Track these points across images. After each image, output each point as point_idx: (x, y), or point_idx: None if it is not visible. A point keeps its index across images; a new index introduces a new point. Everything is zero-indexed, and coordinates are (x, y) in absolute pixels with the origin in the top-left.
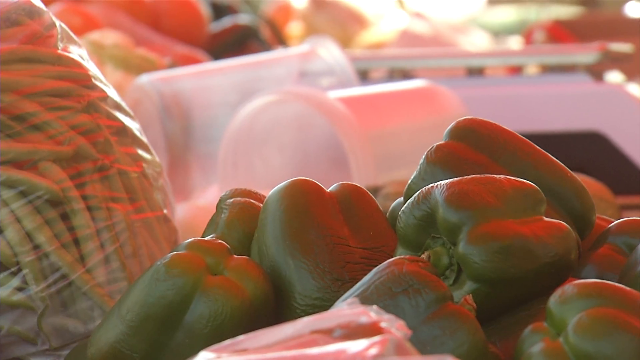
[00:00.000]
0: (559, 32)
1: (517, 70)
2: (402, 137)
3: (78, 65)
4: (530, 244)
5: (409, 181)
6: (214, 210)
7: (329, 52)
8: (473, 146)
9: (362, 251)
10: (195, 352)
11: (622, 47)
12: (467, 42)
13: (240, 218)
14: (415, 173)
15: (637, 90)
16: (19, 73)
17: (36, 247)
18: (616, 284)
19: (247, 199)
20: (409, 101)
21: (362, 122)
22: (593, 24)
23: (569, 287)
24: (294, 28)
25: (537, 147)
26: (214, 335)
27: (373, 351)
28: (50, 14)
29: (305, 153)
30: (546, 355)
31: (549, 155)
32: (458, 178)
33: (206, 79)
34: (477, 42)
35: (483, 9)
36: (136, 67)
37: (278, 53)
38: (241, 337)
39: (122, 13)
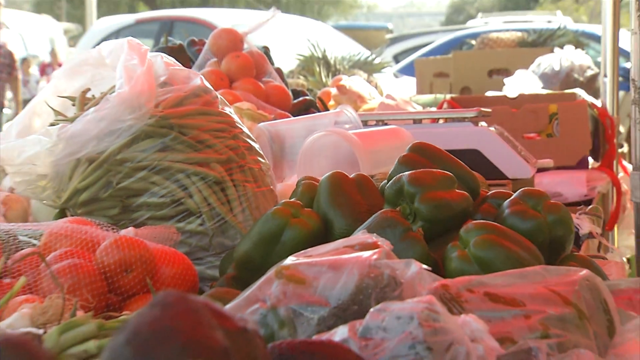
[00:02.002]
0: (454, 104)
1: (435, 120)
2: (384, 152)
3: (229, 116)
4: (450, 203)
5: (389, 173)
6: (295, 187)
7: (348, 112)
8: (420, 155)
9: (367, 207)
10: (285, 257)
11: (486, 110)
12: (411, 109)
13: (308, 190)
14: (392, 169)
15: (493, 130)
16: (199, 120)
17: (209, 204)
18: (493, 223)
19: (311, 181)
20: (387, 135)
21: (365, 144)
22: (470, 100)
23: (469, 224)
24: (331, 102)
25: (451, 155)
26: (295, 249)
27: (375, 257)
28: (216, 93)
29: (337, 160)
30: (458, 258)
31: (456, 159)
32: (413, 170)
33: (291, 124)
34: (416, 109)
35: (416, 96)
36: (257, 119)
37: (324, 114)
38: (308, 250)
39: (251, 94)
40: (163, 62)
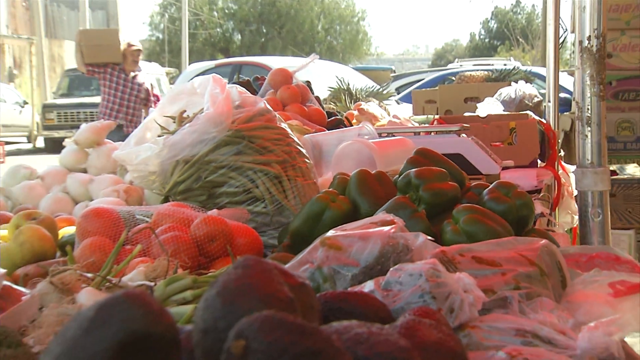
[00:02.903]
0: (441, 121)
1: (428, 133)
2: (394, 155)
3: (284, 130)
4: (445, 191)
5: (400, 170)
6: (331, 180)
7: (368, 127)
8: (422, 157)
9: (385, 194)
10: (326, 231)
11: (466, 125)
12: (411, 125)
13: (341, 182)
14: (402, 167)
15: (471, 139)
16: (263, 132)
17: (270, 192)
18: (476, 206)
19: (343, 176)
20: (395, 143)
21: (380, 150)
22: (453, 119)
23: (459, 207)
24: (354, 120)
25: (444, 157)
26: (333, 225)
27: (392, 230)
28: (274, 113)
29: (360, 161)
30: (452, 231)
31: (448, 159)
32: (417, 168)
33: (326, 136)
34: (414, 125)
35: (413, 116)
36: (303, 132)
37: (350, 128)
38: (343, 225)
39: (298, 115)
40: (237, 91)
